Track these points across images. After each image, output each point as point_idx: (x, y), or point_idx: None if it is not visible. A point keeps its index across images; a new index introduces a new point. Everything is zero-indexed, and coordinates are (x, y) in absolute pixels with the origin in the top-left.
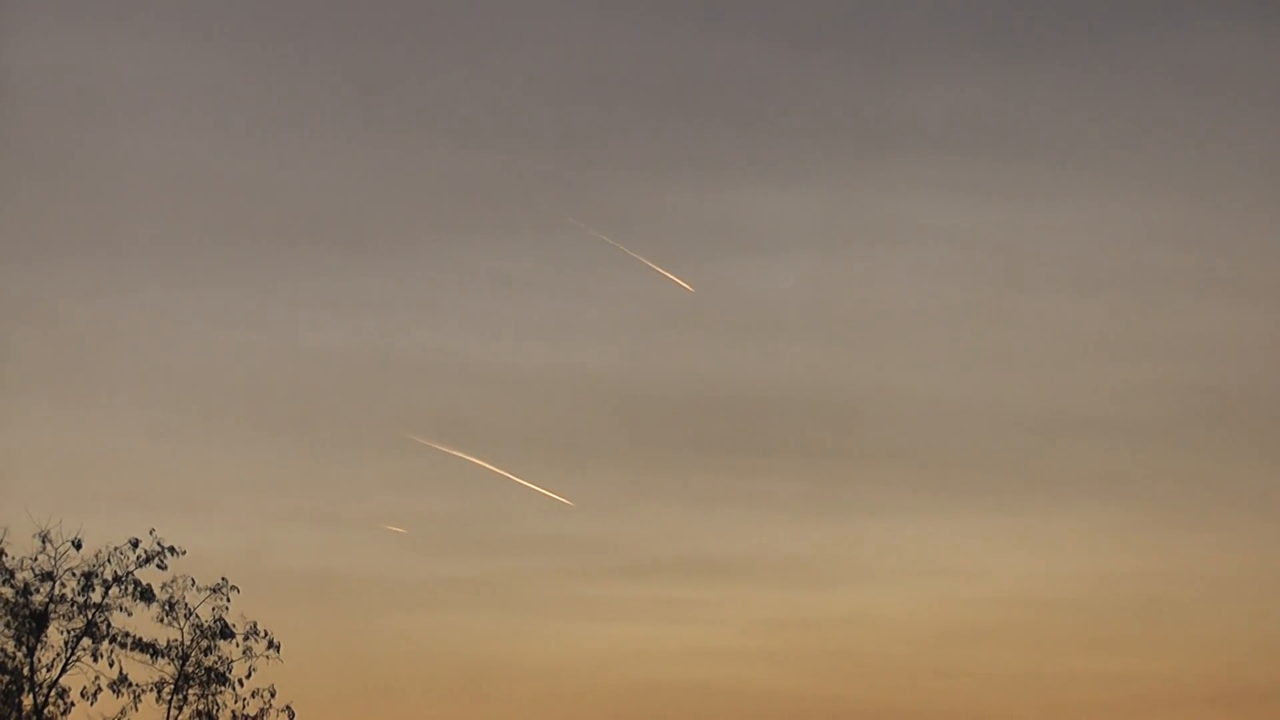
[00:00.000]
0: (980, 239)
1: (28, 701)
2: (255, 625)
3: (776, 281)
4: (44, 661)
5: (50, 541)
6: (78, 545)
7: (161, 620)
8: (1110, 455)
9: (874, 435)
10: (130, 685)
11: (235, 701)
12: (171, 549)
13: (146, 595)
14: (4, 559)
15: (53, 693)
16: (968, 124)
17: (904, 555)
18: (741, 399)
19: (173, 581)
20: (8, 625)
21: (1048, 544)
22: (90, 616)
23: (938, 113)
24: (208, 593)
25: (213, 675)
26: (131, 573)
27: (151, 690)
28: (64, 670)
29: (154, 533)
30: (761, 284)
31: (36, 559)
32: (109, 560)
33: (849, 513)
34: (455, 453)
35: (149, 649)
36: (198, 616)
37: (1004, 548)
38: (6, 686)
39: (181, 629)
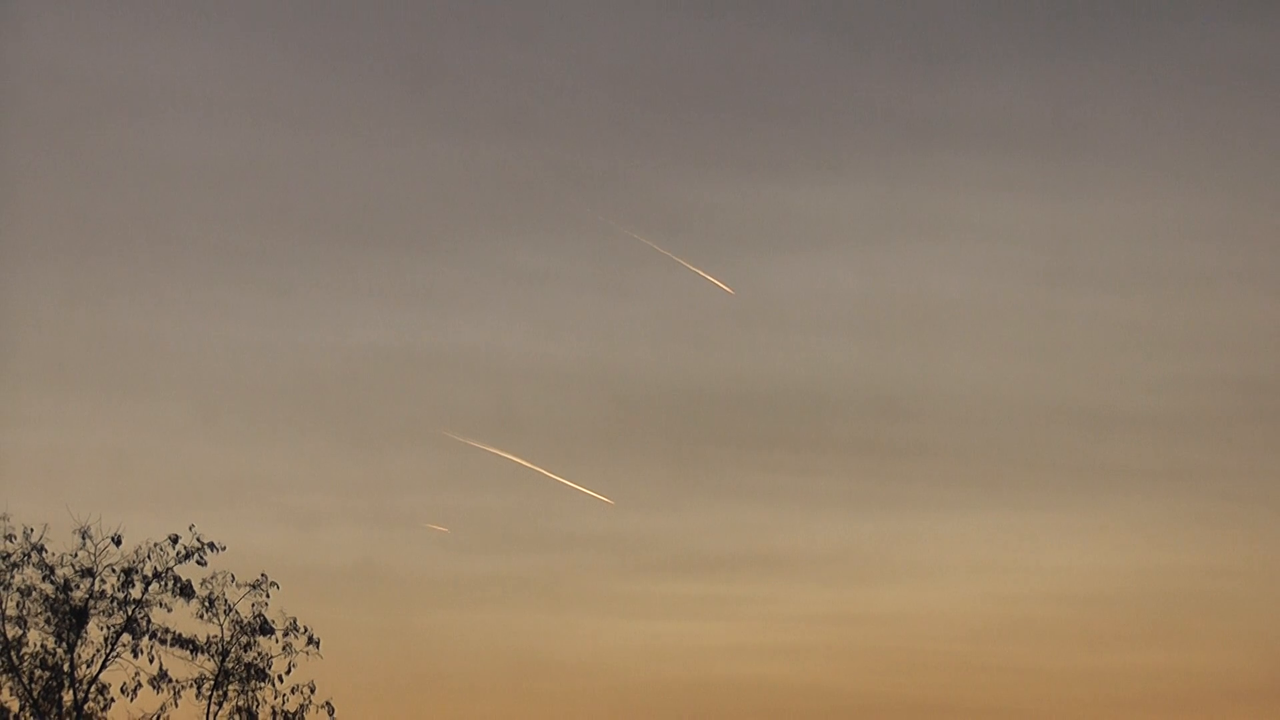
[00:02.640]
0: (1026, 234)
1: (68, 697)
2: (295, 621)
3: (819, 279)
4: (84, 658)
5: (90, 538)
6: (117, 541)
7: (201, 616)
8: (1156, 450)
9: (919, 431)
10: (170, 681)
11: (275, 698)
12: (211, 545)
13: (186, 591)
14: (45, 555)
15: (93, 689)
16: (1014, 120)
17: (949, 551)
18: (783, 396)
19: (212, 578)
20: (48, 621)
21: (1093, 539)
22: (130, 613)
23: (984, 108)
24: (247, 589)
25: (252, 671)
26: (171, 569)
27: (191, 686)
28: (104, 666)
29: (194, 528)
30: (804, 282)
31: (77, 555)
32: (149, 556)
33: (893, 508)
34: (496, 451)
35: (189, 645)
36: (237, 612)
37: (1049, 543)
38: (47, 683)
39: (221, 625)
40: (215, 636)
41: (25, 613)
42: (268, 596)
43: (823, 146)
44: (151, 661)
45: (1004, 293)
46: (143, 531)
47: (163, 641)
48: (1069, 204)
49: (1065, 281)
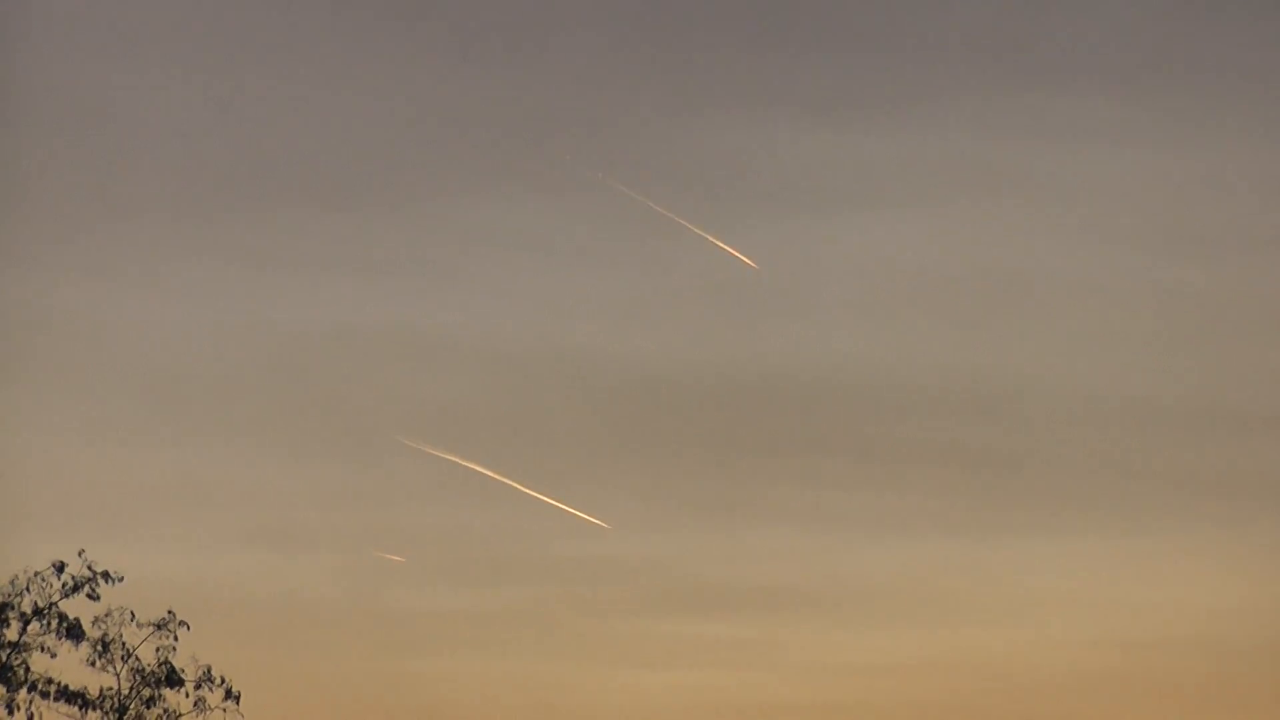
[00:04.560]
0: (1136, 192)
1: None
2: (209, 670)
3: (869, 246)
4: None
5: None
6: None
7: (93, 663)
8: None
9: (996, 435)
10: None
11: None
12: (106, 575)
13: (74, 632)
14: None
15: None
16: (1123, 53)
17: (1012, 584)
18: (819, 392)
19: (107, 615)
20: None
21: (1225, 569)
22: (3, 659)
23: (1086, 38)
24: (151, 629)
25: None
26: (56, 604)
27: None
28: None
29: (84, 555)
30: (848, 251)
31: None
32: (27, 589)
33: (961, 531)
34: (463, 462)
35: (77, 699)
36: (138, 659)
37: (1167, 574)
38: None
39: (118, 674)
40: (110, 689)
41: None
42: (176, 639)
43: (876, 83)
44: None
45: (1108, 263)
46: (19, 557)
47: (44, 695)
48: (1190, 155)
49: (1185, 250)
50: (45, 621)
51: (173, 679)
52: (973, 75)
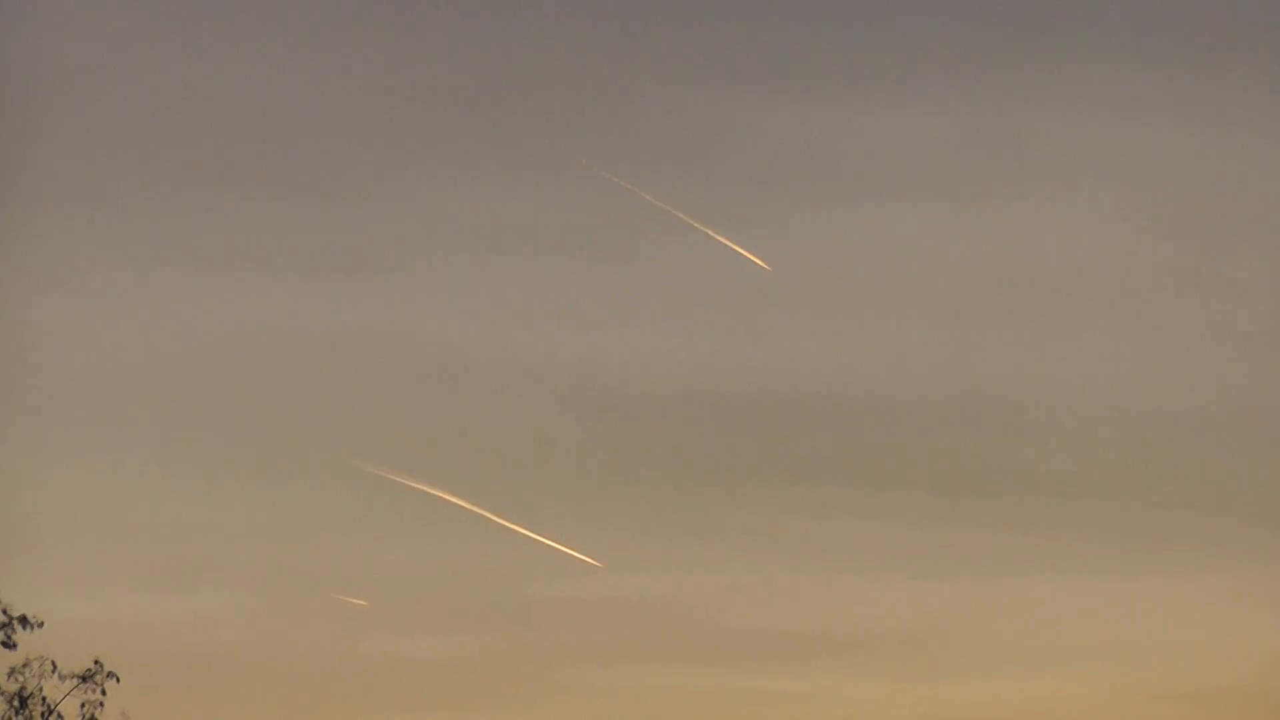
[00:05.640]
0: (1180, 176)
1: None
2: None
3: (883, 243)
4: None
5: None
6: None
7: None
8: None
9: (1019, 454)
10: None
11: None
12: (23, 620)
13: None
14: None
15: None
16: (1159, 22)
17: (1063, 627)
18: (832, 410)
19: (24, 666)
20: None
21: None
22: None
23: (1119, 6)
24: (75, 682)
25: None
26: None
27: None
28: None
29: None
30: (862, 248)
31: None
32: None
33: (983, 566)
34: (429, 489)
35: None
36: (60, 716)
37: (1222, 615)
38: None
39: None
40: None
41: None
42: (103, 694)
43: (892, 56)
44: None
45: (1148, 257)
46: None
47: None
48: (1233, 134)
49: (1240, 240)
50: None
51: None
52: (996, 47)
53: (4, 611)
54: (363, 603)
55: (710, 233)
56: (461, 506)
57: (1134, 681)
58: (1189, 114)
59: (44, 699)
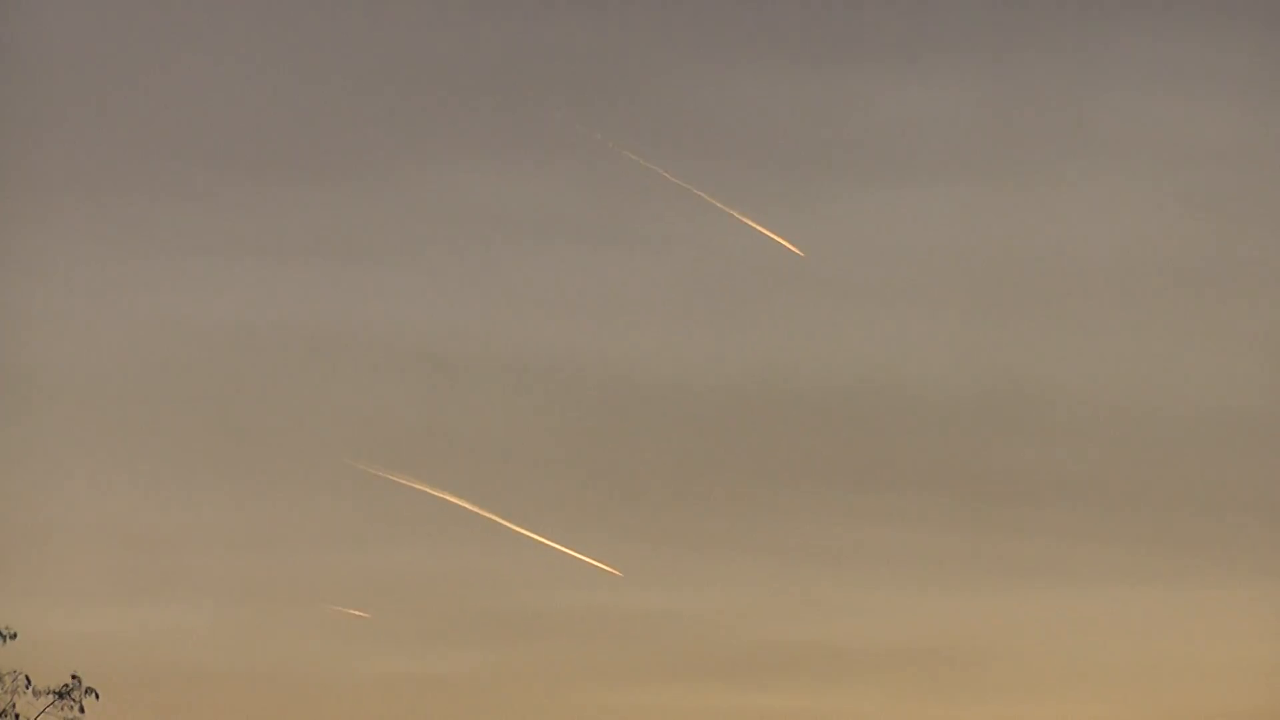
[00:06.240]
0: (1236, 157)
1: None
2: None
3: (903, 227)
4: None
5: None
6: None
7: None
8: None
9: (1054, 456)
10: None
11: None
12: None
13: None
14: None
15: None
16: None
17: (1099, 642)
18: (856, 404)
19: None
20: None
21: None
22: None
23: None
24: (51, 699)
25: None
26: None
27: None
28: None
29: None
30: (902, 233)
31: None
32: None
33: (1016, 576)
34: (433, 492)
35: None
36: None
37: (1270, 630)
38: None
39: None
40: None
41: None
42: (82, 710)
43: (937, 27)
44: None
45: (1182, 244)
46: None
47: None
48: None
49: (1274, 228)
50: None
51: None
52: (1012, 17)
53: None
54: (362, 614)
55: (735, 214)
56: (468, 510)
57: (1178, 703)
58: (1243, 88)
59: (17, 716)
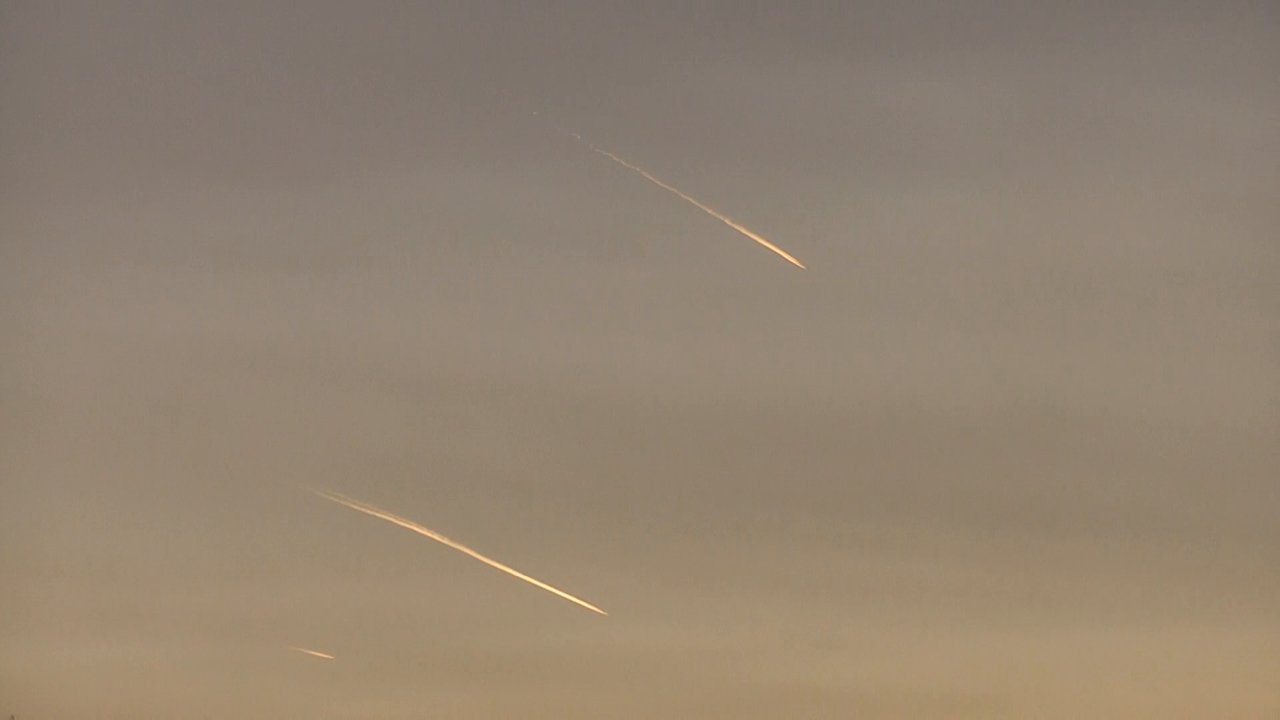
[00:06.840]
0: (1266, 159)
1: None
2: None
3: (927, 237)
4: None
5: None
6: None
7: None
8: None
9: (1086, 481)
10: None
11: None
12: None
13: None
14: None
15: None
16: None
17: (1148, 686)
18: (864, 427)
19: None
20: None
21: None
22: None
23: None
24: None
25: None
26: None
27: None
28: None
29: None
30: (913, 242)
31: None
32: None
33: (1051, 615)
34: (399, 522)
35: None
36: None
37: None
38: None
39: None
40: None
41: None
42: None
43: (949, 15)
44: None
45: (1239, 253)
46: None
47: None
48: None
49: None
50: None
51: None
52: (1062, 4)
53: None
54: (325, 655)
55: (728, 221)
56: (440, 543)
57: None
58: None
59: None
